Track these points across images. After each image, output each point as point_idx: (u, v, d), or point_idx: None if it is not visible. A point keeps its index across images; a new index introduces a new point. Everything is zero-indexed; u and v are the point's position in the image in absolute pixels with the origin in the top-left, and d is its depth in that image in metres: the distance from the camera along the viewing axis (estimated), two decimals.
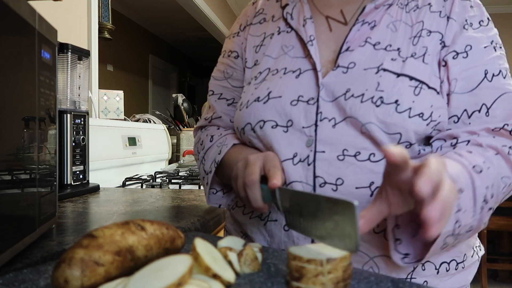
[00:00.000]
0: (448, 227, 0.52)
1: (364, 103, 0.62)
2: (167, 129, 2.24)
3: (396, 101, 0.62)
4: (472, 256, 0.71)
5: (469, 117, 0.64)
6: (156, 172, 1.71)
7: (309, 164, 0.65)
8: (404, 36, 0.67)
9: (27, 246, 0.56)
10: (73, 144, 1.10)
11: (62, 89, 1.10)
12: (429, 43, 0.66)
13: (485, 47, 0.66)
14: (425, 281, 0.65)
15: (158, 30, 6.13)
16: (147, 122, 2.35)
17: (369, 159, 0.63)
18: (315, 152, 0.65)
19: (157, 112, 2.80)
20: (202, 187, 1.35)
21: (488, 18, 0.69)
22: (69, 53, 1.10)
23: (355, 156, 0.63)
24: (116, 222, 0.43)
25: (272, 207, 0.69)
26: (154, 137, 2.03)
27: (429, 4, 0.68)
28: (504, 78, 0.65)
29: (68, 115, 1.09)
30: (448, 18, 0.67)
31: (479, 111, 0.64)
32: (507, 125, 0.63)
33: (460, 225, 0.53)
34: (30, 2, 0.56)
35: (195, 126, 0.93)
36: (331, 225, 0.43)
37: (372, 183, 0.62)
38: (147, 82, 6.11)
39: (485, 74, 0.64)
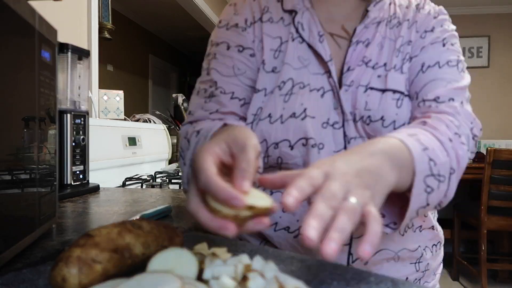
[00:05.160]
0: (423, 169, 0.53)
1: (358, 122, 0.68)
2: (167, 129, 2.24)
3: (381, 117, 0.66)
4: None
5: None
6: (156, 172, 1.71)
7: None
8: (389, 51, 0.71)
9: (27, 246, 0.57)
10: (73, 144, 1.10)
11: (62, 89, 1.10)
12: (404, 54, 0.71)
13: (432, 43, 0.71)
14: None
15: (158, 30, 6.13)
16: (147, 122, 2.35)
17: None
18: None
19: (157, 112, 2.80)
20: None
21: (449, 20, 0.75)
22: (69, 53, 1.11)
23: None
24: (114, 223, 0.43)
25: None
26: (154, 137, 2.03)
27: (408, 19, 0.73)
28: (440, 67, 0.68)
29: (68, 115, 1.09)
30: (415, 29, 0.73)
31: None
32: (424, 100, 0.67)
33: (436, 163, 0.54)
34: (30, 2, 0.56)
35: (184, 120, 0.82)
36: None
37: None
38: (147, 82, 6.10)
39: (422, 67, 0.69)
